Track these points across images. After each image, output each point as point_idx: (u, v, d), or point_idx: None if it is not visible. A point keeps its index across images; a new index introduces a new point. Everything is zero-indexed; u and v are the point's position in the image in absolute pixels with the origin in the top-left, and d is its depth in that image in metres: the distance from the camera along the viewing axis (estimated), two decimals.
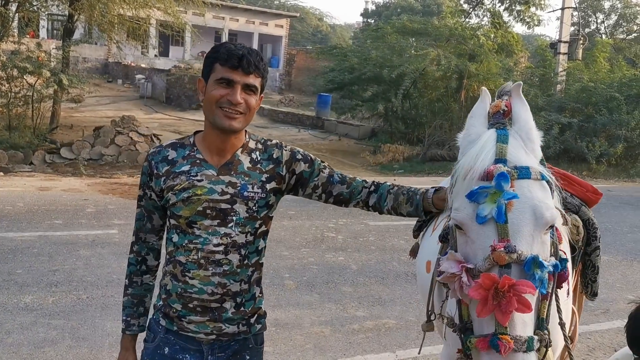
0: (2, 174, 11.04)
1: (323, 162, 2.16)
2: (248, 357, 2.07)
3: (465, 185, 1.66)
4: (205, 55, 2.03)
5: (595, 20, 37.25)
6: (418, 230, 2.76)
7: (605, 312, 5.80)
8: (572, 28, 20.63)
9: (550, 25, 68.27)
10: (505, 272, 1.53)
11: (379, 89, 19.38)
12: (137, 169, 12.34)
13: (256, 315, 2.09)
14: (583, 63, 19.15)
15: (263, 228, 2.05)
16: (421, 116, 19.27)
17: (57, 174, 11.67)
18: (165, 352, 2.01)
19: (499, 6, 22.62)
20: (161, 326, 2.04)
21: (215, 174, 1.97)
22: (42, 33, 27.72)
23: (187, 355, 2.00)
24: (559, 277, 1.70)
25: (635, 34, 35.98)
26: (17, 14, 15.31)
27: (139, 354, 2.11)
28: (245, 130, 2.05)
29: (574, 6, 20.89)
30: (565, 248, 1.95)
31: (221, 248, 1.95)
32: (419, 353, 2.84)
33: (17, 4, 14.64)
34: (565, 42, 18.52)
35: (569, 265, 1.99)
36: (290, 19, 37.61)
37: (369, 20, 46.50)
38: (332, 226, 8.41)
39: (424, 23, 20.84)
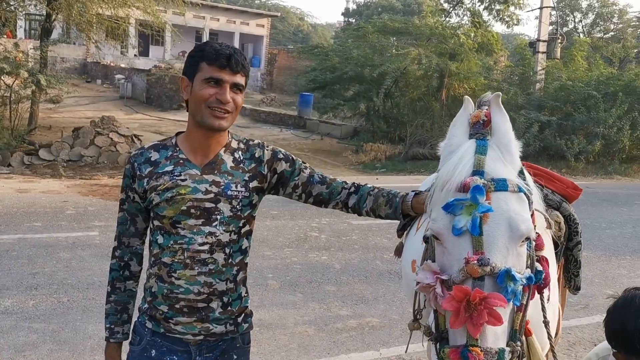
0: None
1: (304, 162, 2.17)
2: (235, 357, 2.07)
3: (443, 196, 1.67)
4: (188, 54, 2.02)
5: (573, 19, 37.75)
6: (402, 230, 2.77)
7: (584, 307, 5.88)
8: (551, 27, 20.91)
9: (529, 24, 68.83)
10: (479, 284, 1.54)
11: (361, 88, 19.45)
12: (118, 170, 12.23)
13: (243, 314, 2.09)
14: (561, 62, 19.40)
15: (247, 227, 2.05)
16: (403, 115, 19.37)
17: (35, 175, 11.52)
18: (152, 354, 2.00)
19: (479, 5, 22.82)
20: (147, 329, 2.02)
21: (199, 174, 1.97)
22: (20, 33, 27.28)
23: (174, 357, 1.99)
24: (537, 286, 1.70)
25: (612, 33, 36.53)
26: None
27: (124, 358, 2.09)
28: (228, 130, 2.05)
29: (552, 5, 21.12)
30: (548, 254, 1.96)
31: (206, 247, 1.95)
32: (405, 351, 2.86)
33: None
34: (543, 41, 18.73)
35: (552, 262, 2.01)
36: (271, 19, 37.54)
37: (350, 19, 46.62)
38: (315, 225, 8.42)
39: (404, 22, 20.95)
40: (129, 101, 24.54)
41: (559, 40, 18.90)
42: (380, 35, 19.89)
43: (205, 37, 31.74)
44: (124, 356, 2.10)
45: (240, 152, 2.05)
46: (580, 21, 37.82)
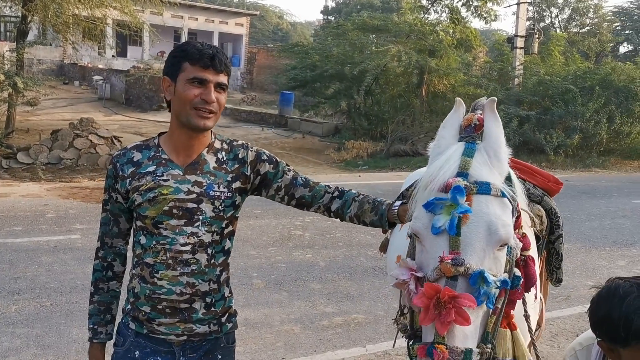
0: None
1: (288, 165, 2.17)
2: (220, 357, 2.07)
3: (425, 195, 1.69)
4: (170, 53, 2.01)
5: (549, 14, 38.16)
6: None
7: (566, 298, 5.97)
8: (528, 22, 21.06)
9: (507, 20, 69.98)
10: (452, 284, 1.55)
11: (341, 85, 19.48)
12: (98, 172, 12.10)
13: (227, 314, 2.09)
14: (539, 57, 19.57)
15: (230, 228, 2.05)
16: (383, 112, 19.44)
17: (14, 179, 11.36)
18: (136, 355, 2.00)
19: (457, 2, 22.95)
20: (131, 330, 2.02)
21: (181, 174, 1.96)
22: None
23: (158, 358, 1.99)
24: (512, 295, 1.71)
25: (588, 28, 37.01)
26: None
27: (108, 359, 2.08)
28: (211, 130, 2.05)
29: (529, 1, 21.32)
30: (532, 253, 1.98)
31: (188, 247, 1.94)
32: (393, 346, 2.88)
33: None
34: (521, 36, 18.89)
35: (535, 256, 2.03)
36: (250, 17, 37.41)
37: (329, 17, 46.59)
38: (299, 224, 8.42)
39: (384, 19, 21.02)
40: (108, 102, 24.29)
41: (537, 36, 19.07)
42: (360, 33, 19.93)
43: (184, 37, 31.50)
44: (108, 357, 2.09)
45: (223, 153, 2.05)
46: (557, 16, 38.30)
